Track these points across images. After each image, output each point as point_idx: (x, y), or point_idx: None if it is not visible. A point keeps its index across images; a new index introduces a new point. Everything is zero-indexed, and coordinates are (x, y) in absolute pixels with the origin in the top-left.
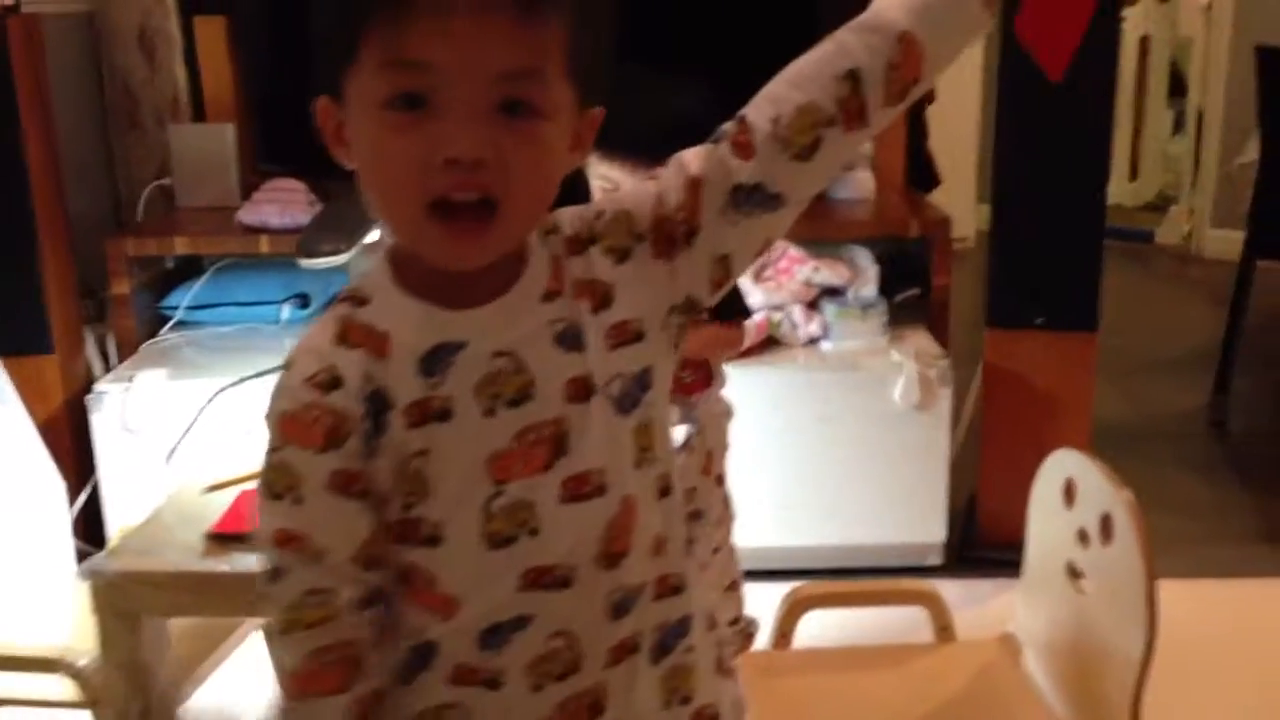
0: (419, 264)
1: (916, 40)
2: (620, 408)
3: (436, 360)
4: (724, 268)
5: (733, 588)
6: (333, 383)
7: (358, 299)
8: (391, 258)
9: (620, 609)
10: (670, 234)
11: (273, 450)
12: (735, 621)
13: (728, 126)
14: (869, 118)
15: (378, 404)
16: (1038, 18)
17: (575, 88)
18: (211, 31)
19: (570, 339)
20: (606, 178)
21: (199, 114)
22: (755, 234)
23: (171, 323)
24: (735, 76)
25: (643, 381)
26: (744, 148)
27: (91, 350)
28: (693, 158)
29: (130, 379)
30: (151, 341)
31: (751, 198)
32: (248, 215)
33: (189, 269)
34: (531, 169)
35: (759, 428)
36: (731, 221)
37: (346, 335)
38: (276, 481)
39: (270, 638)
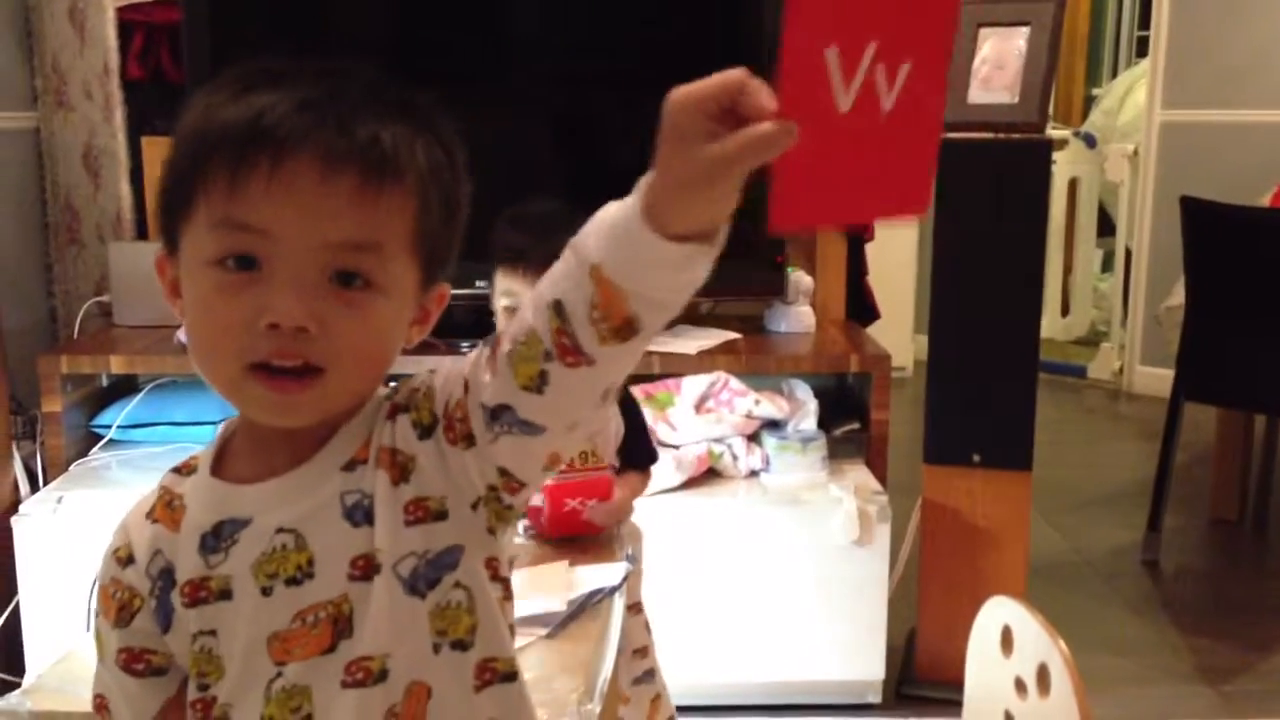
0: (244, 431)
1: (608, 280)
2: (411, 588)
3: (220, 538)
4: (509, 479)
5: None
6: (129, 559)
7: (187, 469)
8: (224, 429)
9: None
10: (453, 429)
11: (96, 614)
12: None
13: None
14: (590, 356)
15: (165, 581)
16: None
17: (420, 264)
18: (159, 152)
19: (360, 513)
20: (509, 293)
21: (142, 232)
22: (528, 451)
23: (103, 441)
24: None
25: (445, 561)
26: (492, 359)
27: (19, 469)
28: (473, 353)
29: (58, 499)
30: (82, 461)
31: (501, 418)
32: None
33: (124, 387)
34: (359, 342)
35: (698, 560)
36: (491, 438)
37: (155, 509)
38: (95, 645)
39: None
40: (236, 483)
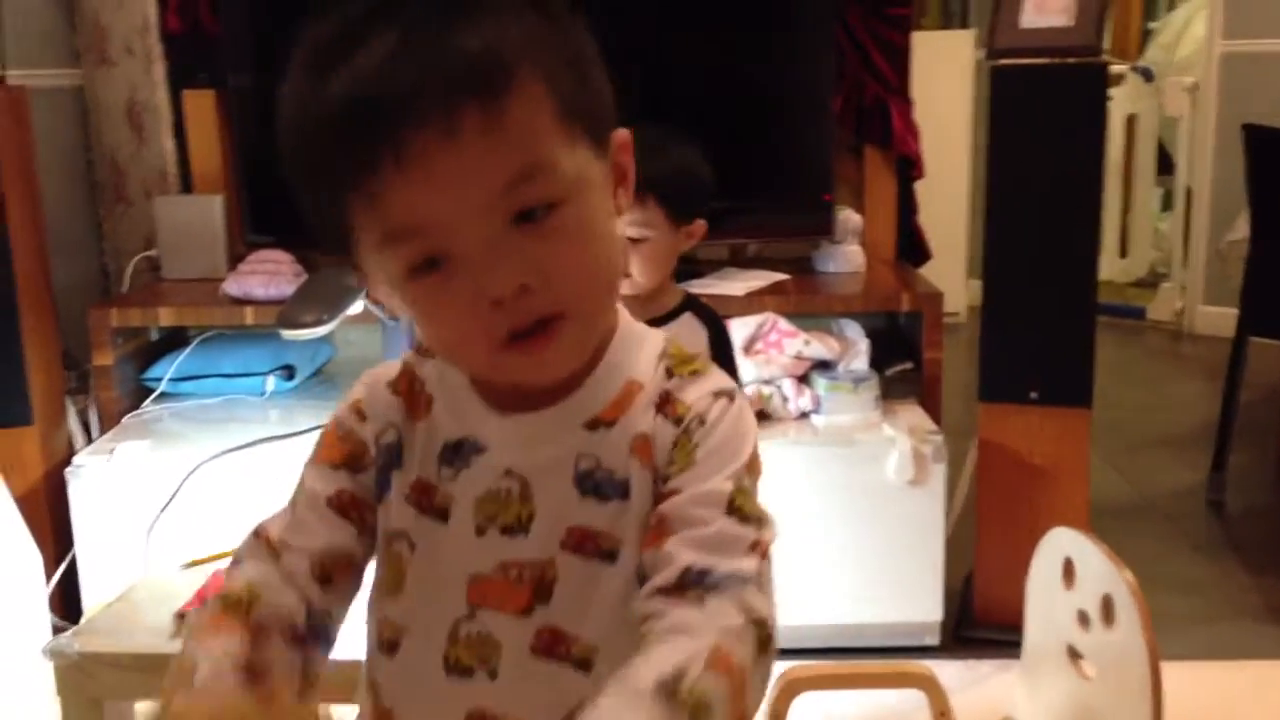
0: None
1: None
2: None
3: (457, 454)
4: None
5: None
6: (364, 415)
7: (427, 351)
8: None
9: None
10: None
11: (313, 457)
12: None
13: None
14: None
15: (388, 458)
16: None
17: (582, 135)
18: (200, 105)
19: (590, 483)
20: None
21: (186, 186)
22: None
23: (155, 394)
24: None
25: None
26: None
27: (73, 422)
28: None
29: (111, 451)
30: (134, 413)
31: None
32: (233, 287)
33: (174, 341)
34: (577, 263)
35: None
36: None
37: (399, 382)
38: (296, 491)
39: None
40: (485, 400)
